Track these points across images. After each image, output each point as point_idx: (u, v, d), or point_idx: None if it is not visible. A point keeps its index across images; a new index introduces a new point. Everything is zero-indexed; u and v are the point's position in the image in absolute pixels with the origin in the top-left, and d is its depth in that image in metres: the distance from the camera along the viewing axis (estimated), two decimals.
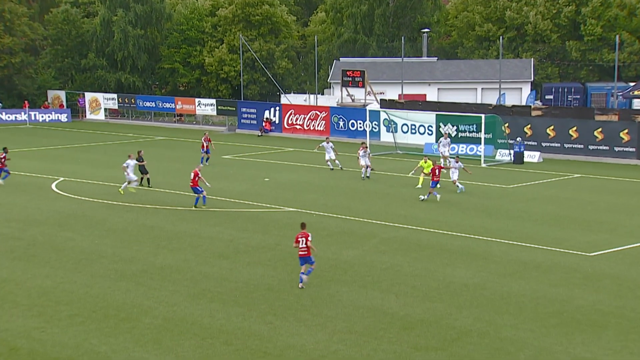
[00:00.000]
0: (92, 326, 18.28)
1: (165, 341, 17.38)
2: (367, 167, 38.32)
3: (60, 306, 19.68)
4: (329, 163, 41.25)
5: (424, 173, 35.08)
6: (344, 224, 28.71)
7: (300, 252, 20.96)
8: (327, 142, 41.68)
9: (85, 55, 77.55)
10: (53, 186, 36.69)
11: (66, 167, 42.73)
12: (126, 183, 34.26)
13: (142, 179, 36.15)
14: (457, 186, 34.74)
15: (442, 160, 40.71)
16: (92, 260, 23.88)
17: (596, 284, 21.45)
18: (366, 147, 39.17)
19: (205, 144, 43.47)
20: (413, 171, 37.05)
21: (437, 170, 32.96)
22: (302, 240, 20.88)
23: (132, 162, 34.50)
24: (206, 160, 43.08)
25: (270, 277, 22.00)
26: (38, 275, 22.32)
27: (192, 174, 31.39)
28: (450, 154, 42.54)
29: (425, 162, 35.39)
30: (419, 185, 35.53)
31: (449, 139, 44.15)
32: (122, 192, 33.95)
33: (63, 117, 70.55)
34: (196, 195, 31.44)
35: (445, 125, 50.38)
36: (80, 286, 21.26)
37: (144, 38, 76.44)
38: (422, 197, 32.93)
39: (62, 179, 38.69)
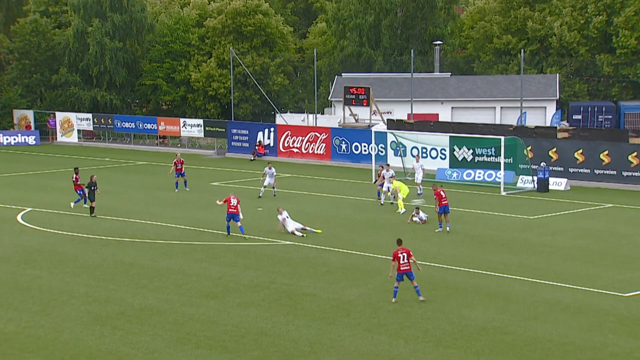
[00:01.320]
0: None
1: None
2: (390, 193, 39.32)
3: (25, 354, 19.58)
4: (262, 189, 41.99)
5: (401, 196, 37.72)
6: (347, 259, 28.66)
7: (403, 268, 23.41)
8: (270, 168, 42.49)
9: (57, 71, 77.87)
10: (19, 217, 36.67)
11: (34, 195, 42.74)
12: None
13: (92, 208, 36.61)
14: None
15: (419, 187, 42.21)
16: (62, 301, 23.79)
17: (633, 328, 21.36)
18: (383, 170, 40.39)
19: (178, 167, 44.39)
20: (392, 200, 38.42)
21: (442, 193, 33.53)
22: (404, 256, 23.47)
23: (285, 214, 33.28)
24: (184, 185, 43.84)
25: (263, 320, 21.92)
26: (0, 319, 22.21)
27: (236, 201, 31.97)
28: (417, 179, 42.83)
29: (393, 183, 38.42)
30: (400, 210, 37.10)
31: (420, 162, 44.41)
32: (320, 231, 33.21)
33: (31, 140, 70.73)
34: (228, 222, 32.06)
35: (460, 149, 50.48)
36: (49, 331, 21.16)
37: (122, 51, 76.81)
38: (439, 230, 33.37)
39: (29, 209, 38.68)
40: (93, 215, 36.53)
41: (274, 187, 42.34)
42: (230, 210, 31.98)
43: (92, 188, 36.94)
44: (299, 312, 22.60)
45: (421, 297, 23.59)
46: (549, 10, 74.95)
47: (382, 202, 39.59)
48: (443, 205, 33.17)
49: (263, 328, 21.25)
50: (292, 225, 32.72)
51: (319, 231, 32.95)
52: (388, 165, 42.24)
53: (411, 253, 23.61)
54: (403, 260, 23.42)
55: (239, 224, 31.92)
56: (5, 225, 34.99)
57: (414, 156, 49.15)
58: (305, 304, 23.35)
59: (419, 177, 42.61)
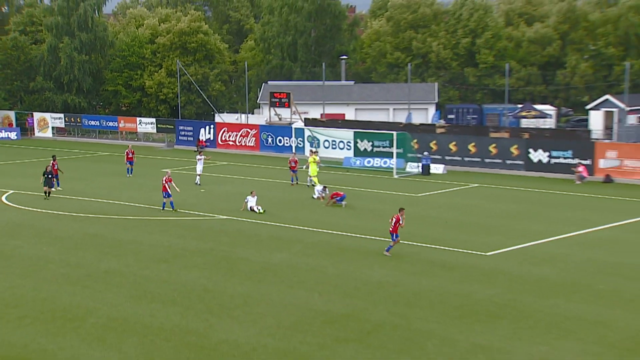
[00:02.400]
0: (40, 327, 17.66)
1: (109, 339, 16.93)
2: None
3: (9, 309, 18.94)
4: (197, 177, 40.21)
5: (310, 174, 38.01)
6: (274, 230, 28.58)
7: (390, 229, 23.98)
8: (200, 155, 41.20)
9: (34, 79, 75.29)
10: (3, 198, 35.36)
11: (16, 181, 41.26)
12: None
13: (47, 192, 35.20)
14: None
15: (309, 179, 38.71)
16: (40, 266, 23.08)
17: (492, 279, 21.93)
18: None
19: (129, 155, 43.49)
20: (305, 166, 39.04)
21: (338, 193, 34.03)
22: (391, 221, 23.86)
23: (252, 199, 32.05)
24: (129, 171, 43.00)
25: (206, 279, 21.69)
26: None
27: (164, 180, 31.81)
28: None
29: (310, 159, 38.54)
30: (314, 184, 37.69)
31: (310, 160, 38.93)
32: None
33: (13, 135, 68.26)
34: (164, 199, 31.88)
35: (362, 141, 50.81)
36: (29, 290, 20.50)
37: (88, 63, 74.66)
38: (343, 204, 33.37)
39: (11, 191, 37.32)
40: (47, 198, 35.02)
41: (198, 175, 40.39)
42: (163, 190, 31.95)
43: (49, 176, 35.37)
44: (235, 273, 22.43)
45: (386, 252, 24.04)
46: (429, 33, 76.04)
47: (308, 185, 38.80)
48: (341, 195, 33.57)
49: (206, 286, 21.03)
50: (252, 202, 32.12)
51: (263, 211, 31.96)
52: (317, 150, 42.26)
53: (399, 219, 23.72)
54: (391, 223, 23.80)
55: (170, 199, 31.96)
56: None
57: (312, 148, 47.32)
58: (240, 266, 23.19)
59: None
